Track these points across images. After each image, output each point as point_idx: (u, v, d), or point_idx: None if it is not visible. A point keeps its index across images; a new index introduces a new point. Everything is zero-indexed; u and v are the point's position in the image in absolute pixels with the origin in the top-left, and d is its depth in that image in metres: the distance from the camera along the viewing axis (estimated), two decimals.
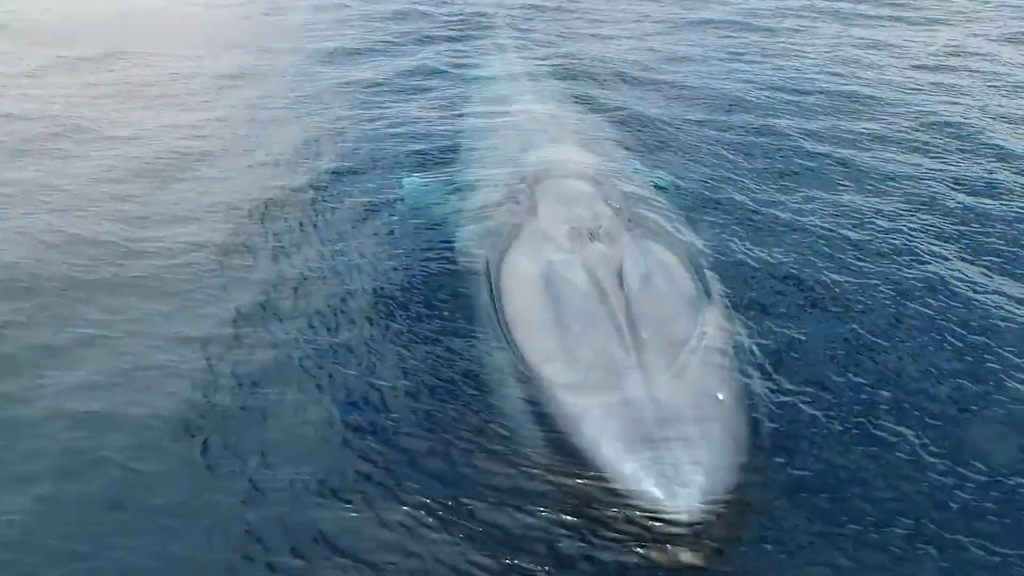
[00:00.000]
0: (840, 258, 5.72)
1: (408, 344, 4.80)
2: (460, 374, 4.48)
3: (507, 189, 6.39)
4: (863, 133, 8.35)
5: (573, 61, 11.46)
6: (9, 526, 3.63)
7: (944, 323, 4.93)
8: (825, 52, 11.63)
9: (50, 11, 14.75)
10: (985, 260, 5.75)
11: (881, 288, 5.30)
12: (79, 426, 4.21)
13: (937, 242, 5.92)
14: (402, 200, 6.80)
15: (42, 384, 4.54)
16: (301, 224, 6.52)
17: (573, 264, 4.75)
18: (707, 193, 6.96)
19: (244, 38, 13.24)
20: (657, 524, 3.25)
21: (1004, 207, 6.55)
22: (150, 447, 4.07)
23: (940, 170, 7.36)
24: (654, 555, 3.25)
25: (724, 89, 10.10)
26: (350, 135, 8.59)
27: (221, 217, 6.62)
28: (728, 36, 12.75)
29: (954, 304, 5.11)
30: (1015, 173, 7.23)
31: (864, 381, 4.37)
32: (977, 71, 10.47)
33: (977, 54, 11.34)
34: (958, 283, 5.35)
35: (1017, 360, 4.55)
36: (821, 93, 9.76)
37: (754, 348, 4.55)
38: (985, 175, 7.21)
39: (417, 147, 8.07)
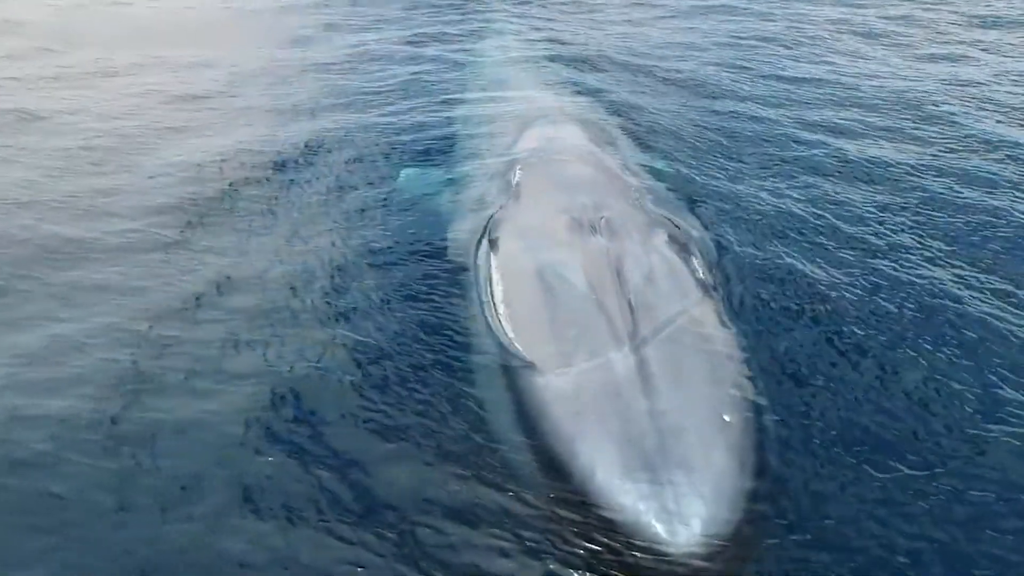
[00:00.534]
0: (849, 258, 5.48)
1: (392, 350, 4.54)
2: (446, 384, 4.22)
3: (504, 176, 6.21)
4: (862, 123, 8.11)
5: (570, 47, 11.11)
6: None
7: (958, 332, 4.66)
8: (824, 38, 11.33)
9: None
10: (988, 259, 5.54)
11: (894, 293, 5.03)
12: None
13: (947, 243, 5.66)
14: (398, 190, 6.65)
15: None
16: (296, 213, 6.38)
17: (571, 262, 4.44)
18: (705, 182, 6.77)
19: (236, 31, 12.83)
20: (656, 561, 2.97)
21: (1011, 203, 6.29)
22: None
23: (936, 160, 7.11)
24: None
25: (721, 76, 9.83)
26: (347, 126, 8.39)
27: (206, 204, 6.47)
28: (727, 21, 12.42)
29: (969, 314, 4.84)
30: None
31: (878, 397, 4.11)
32: (984, 62, 10.20)
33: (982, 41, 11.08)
34: (965, 288, 5.09)
35: None
36: (817, 81, 9.49)
37: (763, 359, 4.28)
38: (987, 169, 6.95)
39: (414, 137, 7.90)
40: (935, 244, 5.64)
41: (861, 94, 9.11)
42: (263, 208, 6.50)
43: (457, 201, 6.10)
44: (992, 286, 5.14)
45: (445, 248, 5.51)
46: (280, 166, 7.36)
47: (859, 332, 4.65)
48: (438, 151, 7.50)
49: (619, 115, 8.42)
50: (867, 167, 7.06)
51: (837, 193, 6.54)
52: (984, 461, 3.75)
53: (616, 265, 4.34)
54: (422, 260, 5.48)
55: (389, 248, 5.69)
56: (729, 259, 5.36)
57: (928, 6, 13.43)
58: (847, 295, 4.99)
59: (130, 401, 4.18)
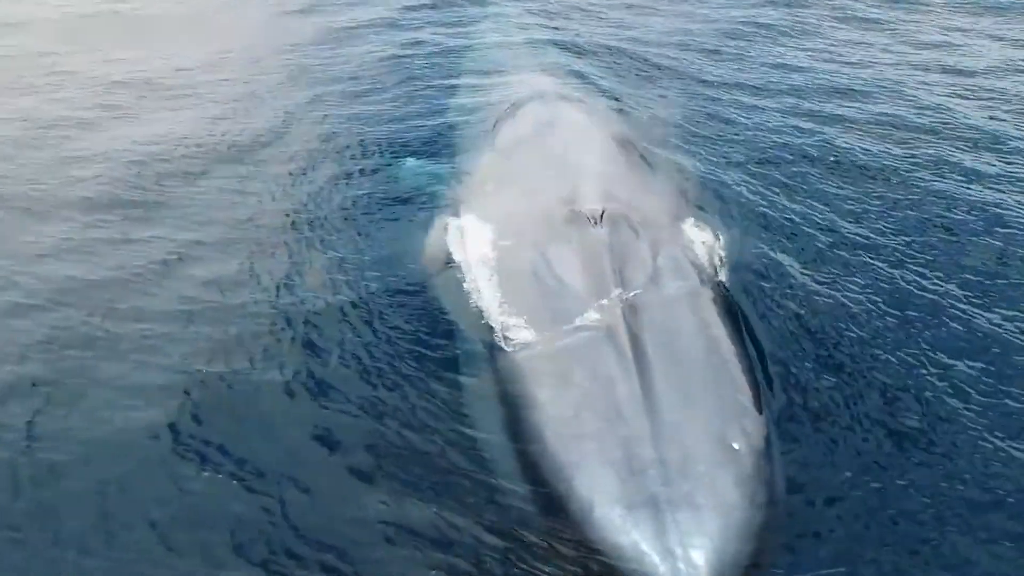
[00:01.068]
0: (865, 266, 5.17)
1: (368, 362, 4.21)
2: (427, 400, 3.89)
3: (499, 160, 5.97)
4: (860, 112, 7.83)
5: (565, 32, 10.74)
6: None
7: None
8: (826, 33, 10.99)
9: None
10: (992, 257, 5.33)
11: (912, 306, 4.75)
12: None
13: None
14: (400, 179, 6.47)
15: None
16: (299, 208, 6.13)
17: (568, 261, 4.13)
18: (709, 174, 6.51)
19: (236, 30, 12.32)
20: None
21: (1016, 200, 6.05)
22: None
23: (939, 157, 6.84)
24: None
25: (723, 64, 9.50)
26: (352, 118, 8.06)
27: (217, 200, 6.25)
28: (729, 9, 12.04)
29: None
30: None
31: (895, 420, 3.84)
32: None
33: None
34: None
35: None
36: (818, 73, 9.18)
37: (777, 375, 3.98)
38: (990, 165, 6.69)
39: (417, 131, 7.61)
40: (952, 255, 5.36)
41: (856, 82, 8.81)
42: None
43: (458, 191, 5.80)
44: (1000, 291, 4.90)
45: (435, 245, 5.17)
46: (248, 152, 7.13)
47: (877, 348, 4.37)
48: (438, 143, 7.25)
49: (617, 99, 8.14)
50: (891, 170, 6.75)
51: (845, 190, 6.26)
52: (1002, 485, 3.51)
53: (617, 265, 4.02)
54: (406, 259, 5.18)
55: (369, 248, 5.39)
56: (737, 261, 5.02)
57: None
58: (867, 307, 4.70)
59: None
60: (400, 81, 9.26)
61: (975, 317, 4.65)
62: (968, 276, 5.04)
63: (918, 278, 4.99)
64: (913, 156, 6.86)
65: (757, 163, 6.86)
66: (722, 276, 4.64)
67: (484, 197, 5.45)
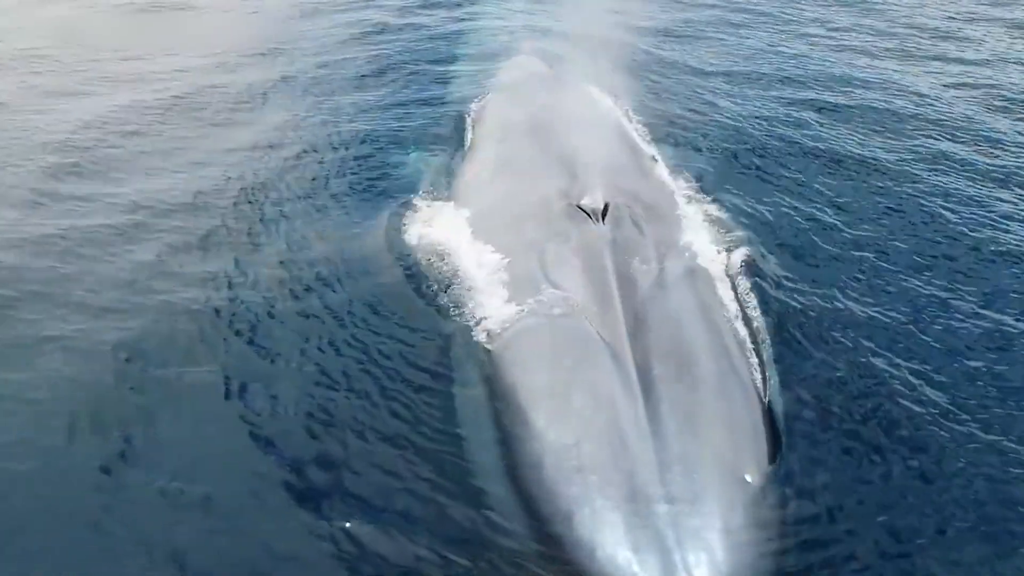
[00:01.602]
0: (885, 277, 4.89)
1: (364, 388, 3.88)
2: (421, 426, 3.56)
3: (498, 146, 5.75)
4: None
5: (564, 19, 10.42)
6: None
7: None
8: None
9: None
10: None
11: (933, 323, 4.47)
12: None
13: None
14: (407, 166, 6.26)
15: None
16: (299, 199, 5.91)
17: (569, 265, 3.84)
18: (713, 167, 6.27)
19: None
20: None
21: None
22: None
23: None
24: None
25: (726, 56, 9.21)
26: (360, 110, 7.77)
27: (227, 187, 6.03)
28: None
29: None
30: None
31: (918, 450, 3.56)
32: None
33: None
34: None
35: None
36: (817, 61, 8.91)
37: (792, 393, 3.66)
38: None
39: (423, 121, 7.32)
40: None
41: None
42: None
43: (459, 181, 5.54)
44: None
45: (425, 246, 4.85)
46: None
47: (895, 368, 4.05)
48: (444, 134, 6.96)
49: (618, 87, 7.76)
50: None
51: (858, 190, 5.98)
52: None
53: (621, 268, 3.73)
54: (393, 257, 4.88)
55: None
56: (741, 262, 4.69)
57: None
58: (885, 320, 4.42)
59: None
60: (390, 66, 9.03)
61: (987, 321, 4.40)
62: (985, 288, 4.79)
63: (942, 292, 4.72)
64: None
65: (760, 155, 6.61)
66: (731, 277, 4.38)
67: (478, 188, 5.18)
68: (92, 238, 5.30)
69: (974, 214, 5.66)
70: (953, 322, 4.46)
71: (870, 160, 6.51)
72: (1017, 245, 5.23)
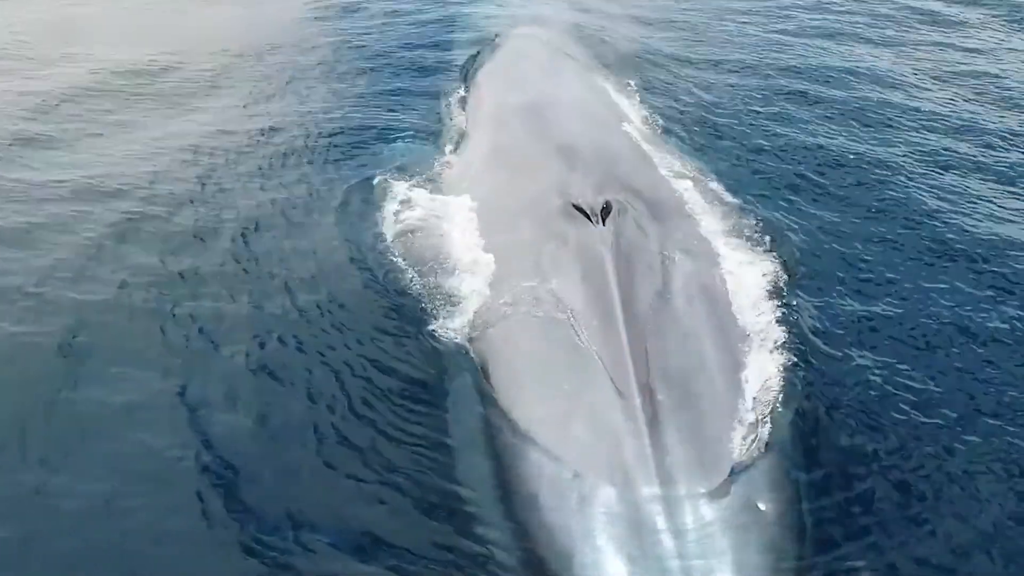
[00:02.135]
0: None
1: (354, 410, 3.60)
2: (414, 451, 3.29)
3: (493, 135, 5.54)
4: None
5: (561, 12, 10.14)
6: None
7: None
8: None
9: None
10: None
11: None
12: None
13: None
14: (395, 155, 6.00)
15: None
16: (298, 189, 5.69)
17: (567, 272, 3.61)
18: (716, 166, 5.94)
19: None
20: None
21: None
22: None
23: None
24: None
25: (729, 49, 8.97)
26: (358, 104, 7.47)
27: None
28: None
29: None
30: None
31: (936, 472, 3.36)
32: None
33: None
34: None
35: None
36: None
37: (807, 411, 3.42)
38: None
39: (416, 114, 7.04)
40: None
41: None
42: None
43: (458, 175, 5.30)
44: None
45: (417, 246, 4.57)
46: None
47: (912, 387, 3.76)
48: (439, 127, 6.70)
49: (620, 79, 7.55)
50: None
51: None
52: None
53: (622, 275, 3.49)
54: (385, 258, 4.59)
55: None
56: (749, 259, 4.42)
57: None
58: (904, 334, 4.17)
59: None
60: (381, 53, 8.78)
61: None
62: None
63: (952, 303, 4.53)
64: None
65: (766, 153, 6.32)
66: (741, 284, 4.05)
67: (471, 182, 4.95)
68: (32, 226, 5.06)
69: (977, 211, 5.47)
70: (978, 333, 4.24)
71: (881, 159, 6.21)
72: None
